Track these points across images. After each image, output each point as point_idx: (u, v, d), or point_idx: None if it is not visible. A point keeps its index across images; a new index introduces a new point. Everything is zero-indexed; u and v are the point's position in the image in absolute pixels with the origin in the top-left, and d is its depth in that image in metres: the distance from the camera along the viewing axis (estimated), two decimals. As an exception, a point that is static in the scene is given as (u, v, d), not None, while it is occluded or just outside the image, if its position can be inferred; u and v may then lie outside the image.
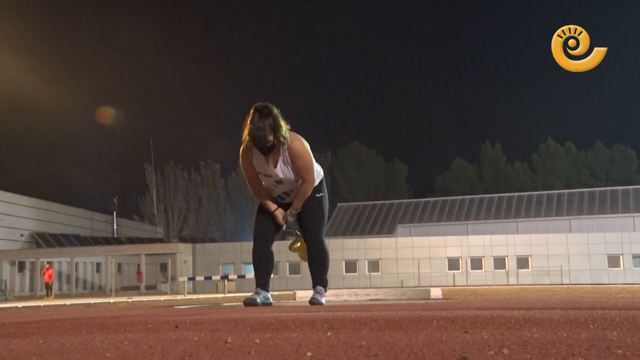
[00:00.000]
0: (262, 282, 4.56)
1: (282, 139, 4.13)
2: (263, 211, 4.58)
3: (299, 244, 4.77)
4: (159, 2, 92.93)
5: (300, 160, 4.27)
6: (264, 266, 4.60)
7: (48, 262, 31.32)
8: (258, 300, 4.42)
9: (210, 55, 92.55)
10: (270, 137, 4.08)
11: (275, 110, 4.11)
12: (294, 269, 38.40)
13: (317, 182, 4.54)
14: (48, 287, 27.36)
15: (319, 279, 4.59)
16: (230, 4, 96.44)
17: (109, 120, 56.65)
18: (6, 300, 27.32)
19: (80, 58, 75.93)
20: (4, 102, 53.25)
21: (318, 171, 4.57)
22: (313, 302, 4.41)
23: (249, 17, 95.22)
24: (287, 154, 4.24)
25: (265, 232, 4.56)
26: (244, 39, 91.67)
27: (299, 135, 4.31)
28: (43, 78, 55.86)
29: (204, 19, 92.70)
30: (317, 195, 4.55)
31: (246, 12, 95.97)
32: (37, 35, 67.86)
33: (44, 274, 28.03)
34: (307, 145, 4.33)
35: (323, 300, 4.48)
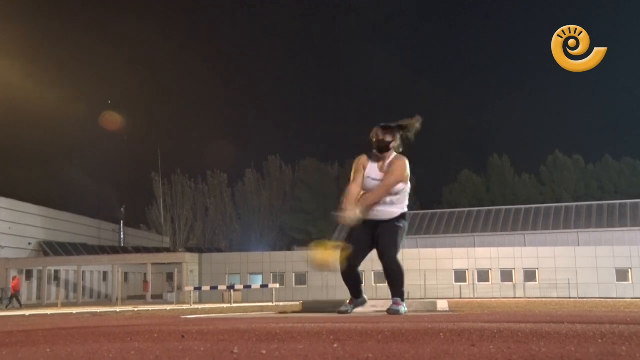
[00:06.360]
0: (355, 293, 5.19)
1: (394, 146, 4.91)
2: (353, 239, 5.08)
3: (321, 251, 4.85)
4: (168, 10, 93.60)
5: (398, 168, 4.81)
6: (353, 282, 5.22)
7: (16, 274, 33.03)
8: (349, 310, 5.03)
9: (220, 65, 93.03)
10: (389, 139, 4.89)
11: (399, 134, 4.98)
12: (300, 279, 38.28)
13: (399, 212, 4.93)
14: (14, 297, 28.36)
15: (396, 292, 5.04)
16: (243, 19, 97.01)
17: (114, 125, 56.78)
18: (12, 308, 27.47)
19: (87, 68, 76.46)
20: (11, 109, 53.60)
21: (404, 200, 4.97)
22: (390, 312, 4.85)
23: (261, 29, 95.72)
24: (389, 161, 4.91)
25: (354, 258, 5.09)
26: (257, 52, 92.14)
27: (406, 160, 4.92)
28: (50, 86, 56.22)
29: (214, 29, 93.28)
30: (397, 224, 4.95)
31: (257, 25, 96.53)
32: (48, 43, 68.45)
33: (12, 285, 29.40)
34: (408, 169, 4.92)
35: (401, 309, 4.92)
